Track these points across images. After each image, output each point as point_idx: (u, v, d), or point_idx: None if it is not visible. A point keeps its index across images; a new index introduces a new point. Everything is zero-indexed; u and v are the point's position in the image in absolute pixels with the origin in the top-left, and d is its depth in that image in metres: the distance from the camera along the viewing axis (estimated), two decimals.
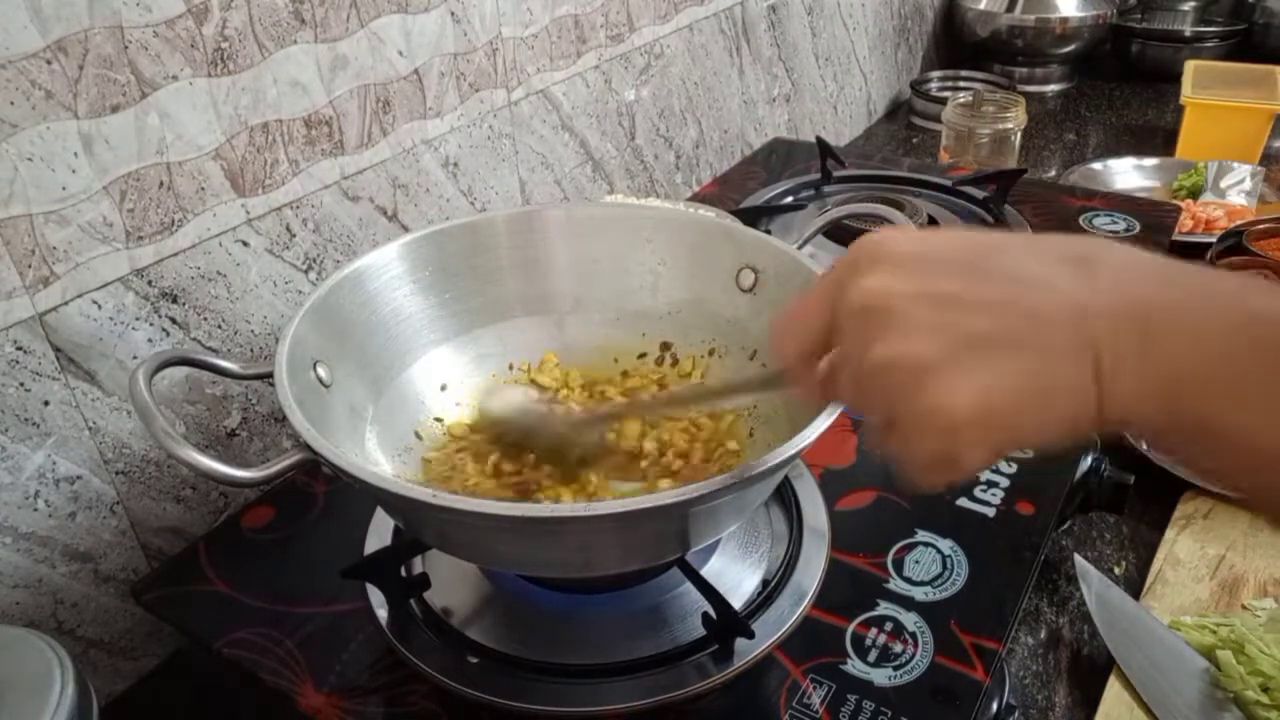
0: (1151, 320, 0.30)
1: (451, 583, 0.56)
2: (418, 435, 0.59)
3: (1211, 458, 0.31)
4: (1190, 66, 1.38)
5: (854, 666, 0.50)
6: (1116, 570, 0.69)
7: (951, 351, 0.31)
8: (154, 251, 0.60)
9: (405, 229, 0.77)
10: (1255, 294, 0.30)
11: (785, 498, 0.61)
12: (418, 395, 0.60)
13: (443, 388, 0.61)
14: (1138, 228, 0.95)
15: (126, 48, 0.55)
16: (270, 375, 0.48)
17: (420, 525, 0.49)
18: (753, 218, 0.95)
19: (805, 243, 0.65)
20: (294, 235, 0.69)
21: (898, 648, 0.51)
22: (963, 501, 0.61)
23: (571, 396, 0.62)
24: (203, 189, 0.62)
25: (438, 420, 0.60)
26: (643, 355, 0.64)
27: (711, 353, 0.62)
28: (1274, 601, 0.65)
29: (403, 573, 0.55)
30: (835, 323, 0.35)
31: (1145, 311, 0.30)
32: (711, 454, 0.58)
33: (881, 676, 0.50)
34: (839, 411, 0.44)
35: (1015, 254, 0.32)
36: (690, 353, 0.63)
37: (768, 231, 0.83)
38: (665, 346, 0.64)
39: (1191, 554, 0.69)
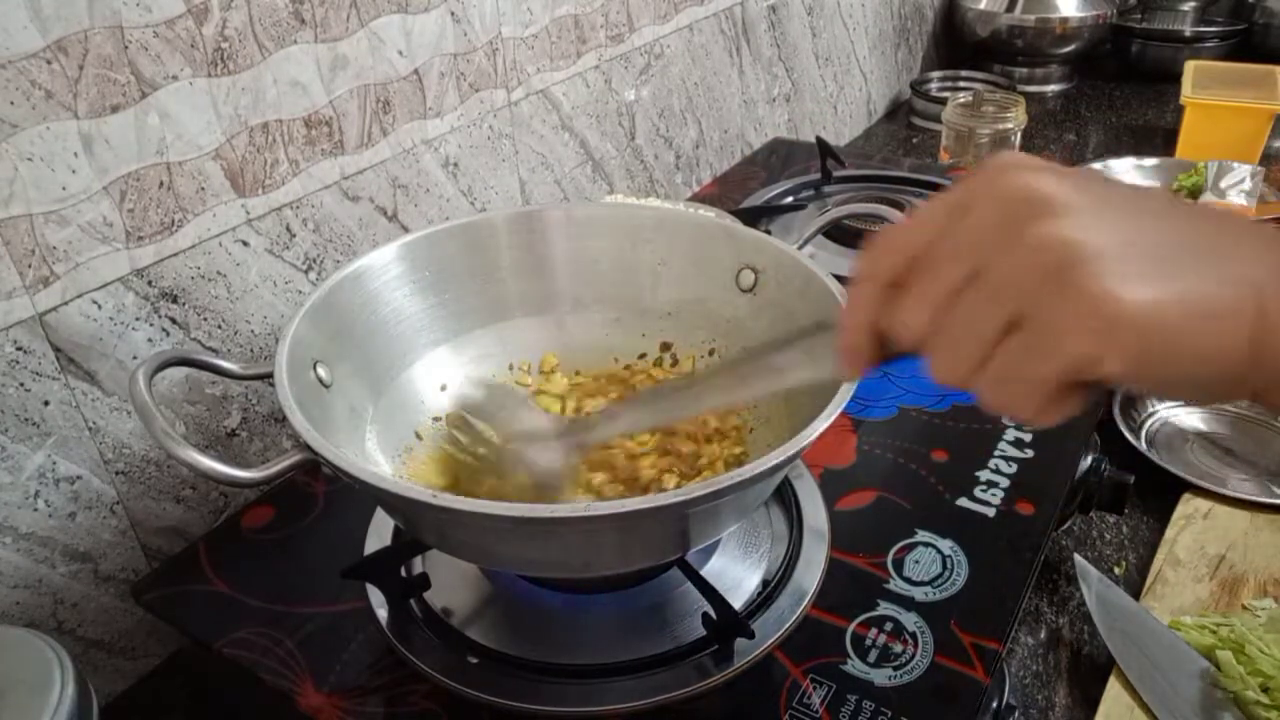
0: None
1: (451, 583, 0.56)
2: (418, 435, 0.59)
3: None
4: (1190, 66, 1.38)
5: (854, 666, 0.50)
6: (1116, 570, 0.69)
7: (1120, 249, 0.27)
8: (154, 251, 0.60)
9: (405, 229, 0.77)
10: None
11: (785, 498, 0.61)
12: (418, 395, 0.60)
13: (443, 388, 0.61)
14: None
15: (126, 48, 0.55)
16: (270, 375, 0.48)
17: (420, 525, 0.49)
18: (753, 218, 0.95)
19: (805, 243, 0.65)
20: (294, 235, 0.69)
21: (898, 648, 0.51)
22: (963, 501, 0.61)
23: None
24: (203, 189, 0.62)
25: (436, 420, 0.60)
26: (643, 355, 0.64)
27: (712, 352, 0.62)
28: (1274, 601, 0.65)
29: (403, 573, 0.55)
30: (966, 206, 0.30)
31: None
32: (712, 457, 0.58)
33: (881, 676, 0.50)
34: (839, 411, 0.44)
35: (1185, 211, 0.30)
36: (690, 352, 0.63)
37: (768, 231, 0.83)
38: (665, 347, 0.64)
39: (1191, 554, 0.69)
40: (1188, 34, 1.70)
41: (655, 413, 0.47)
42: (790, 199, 1.05)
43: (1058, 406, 0.30)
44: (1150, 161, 1.30)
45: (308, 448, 0.43)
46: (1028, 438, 0.67)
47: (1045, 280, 0.28)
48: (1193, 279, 0.28)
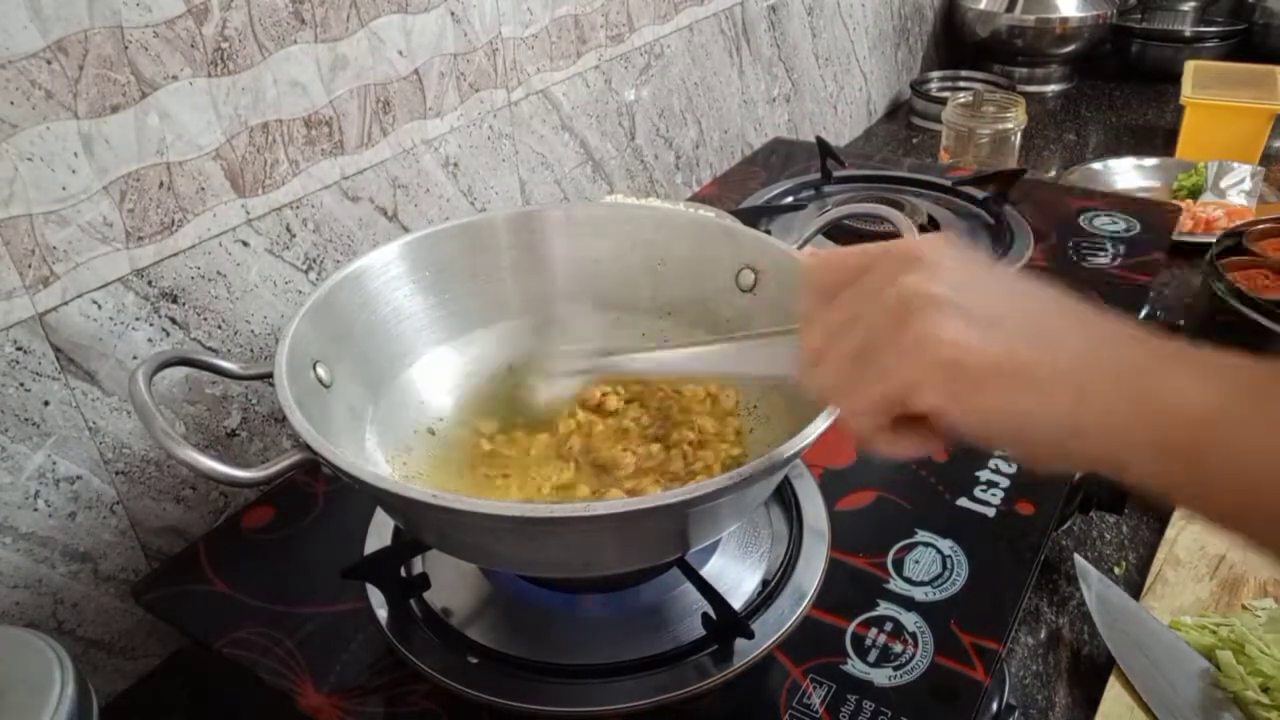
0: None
1: (451, 583, 0.56)
2: (431, 431, 0.59)
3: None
4: (1190, 66, 1.38)
5: (854, 666, 0.50)
6: (1116, 570, 0.69)
7: (962, 308, 0.33)
8: (154, 251, 0.60)
9: (405, 229, 0.77)
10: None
11: (785, 498, 0.61)
12: (418, 395, 0.60)
13: (443, 388, 0.61)
14: (1138, 228, 0.95)
15: (126, 48, 0.55)
16: (270, 375, 0.48)
17: (420, 525, 0.49)
18: (753, 218, 0.95)
19: (805, 243, 0.65)
20: (294, 235, 0.69)
21: (898, 648, 0.51)
22: (963, 501, 0.61)
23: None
24: (203, 189, 0.62)
25: (439, 420, 0.60)
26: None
27: None
28: (1274, 601, 0.65)
29: (403, 573, 0.55)
30: (871, 266, 0.36)
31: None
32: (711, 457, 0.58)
33: (881, 676, 0.50)
34: (839, 411, 0.44)
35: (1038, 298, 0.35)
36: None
37: (768, 231, 0.83)
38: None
39: (1191, 554, 0.69)
40: (1188, 34, 1.70)
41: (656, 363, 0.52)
42: (790, 199, 1.05)
43: (893, 436, 0.35)
44: (1150, 161, 1.30)
45: (308, 448, 0.43)
46: None
47: (894, 318, 0.33)
48: (1015, 342, 0.32)
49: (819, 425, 0.43)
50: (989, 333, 0.32)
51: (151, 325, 0.61)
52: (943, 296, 0.33)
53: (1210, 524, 0.32)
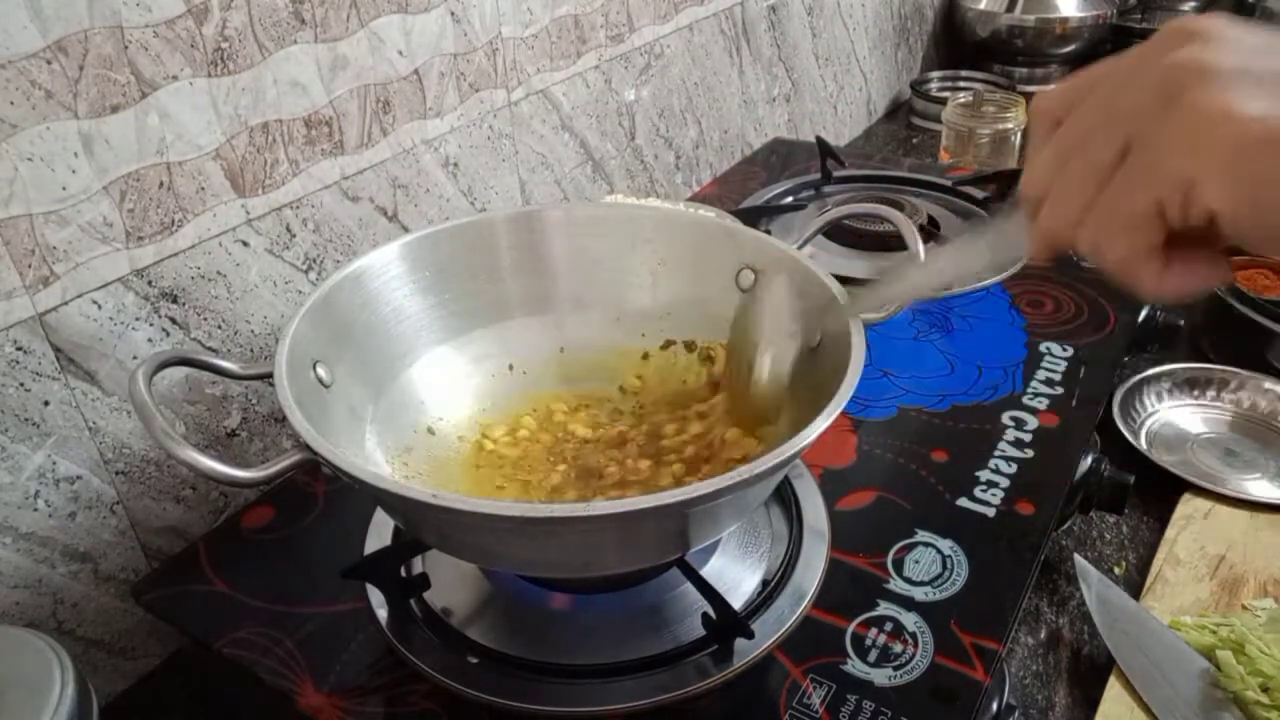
0: None
1: (451, 583, 0.56)
2: (431, 431, 0.59)
3: None
4: None
5: (854, 666, 0.50)
6: (1116, 570, 0.69)
7: (1248, 73, 0.25)
8: (154, 251, 0.60)
9: (405, 229, 0.77)
10: None
11: (785, 498, 0.61)
12: (418, 395, 0.60)
13: (443, 388, 0.61)
14: None
15: (126, 48, 0.55)
16: (270, 375, 0.48)
17: (420, 525, 0.49)
18: (753, 218, 0.95)
19: (805, 243, 0.65)
20: (294, 235, 0.69)
21: (898, 648, 0.51)
22: (963, 501, 0.61)
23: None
24: (203, 189, 0.62)
25: (439, 420, 0.60)
26: (646, 356, 0.64)
27: (710, 357, 0.62)
28: (1274, 601, 0.65)
29: (403, 573, 0.55)
30: (1119, 65, 0.29)
31: None
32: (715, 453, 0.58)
33: (881, 676, 0.50)
34: (839, 411, 0.44)
35: None
36: (710, 344, 0.63)
37: (768, 231, 0.83)
38: (690, 346, 0.64)
39: (1191, 554, 0.69)
40: None
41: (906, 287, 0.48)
42: (790, 199, 1.05)
43: (1163, 267, 0.27)
44: None
45: (308, 448, 0.43)
46: (1028, 438, 0.67)
47: (1160, 99, 0.26)
48: None
49: (819, 425, 0.43)
50: None
51: (151, 325, 0.61)
52: (1227, 64, 0.25)
53: None
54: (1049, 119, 0.31)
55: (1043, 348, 0.76)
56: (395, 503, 0.47)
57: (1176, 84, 0.26)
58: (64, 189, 0.54)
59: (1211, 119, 0.25)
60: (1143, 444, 0.79)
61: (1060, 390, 0.72)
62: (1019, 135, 1.24)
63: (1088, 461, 0.66)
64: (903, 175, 1.09)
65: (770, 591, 0.55)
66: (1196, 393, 0.85)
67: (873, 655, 0.51)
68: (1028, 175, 0.30)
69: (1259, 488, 0.75)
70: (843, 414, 0.45)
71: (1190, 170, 0.25)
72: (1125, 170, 0.26)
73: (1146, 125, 0.26)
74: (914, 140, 1.51)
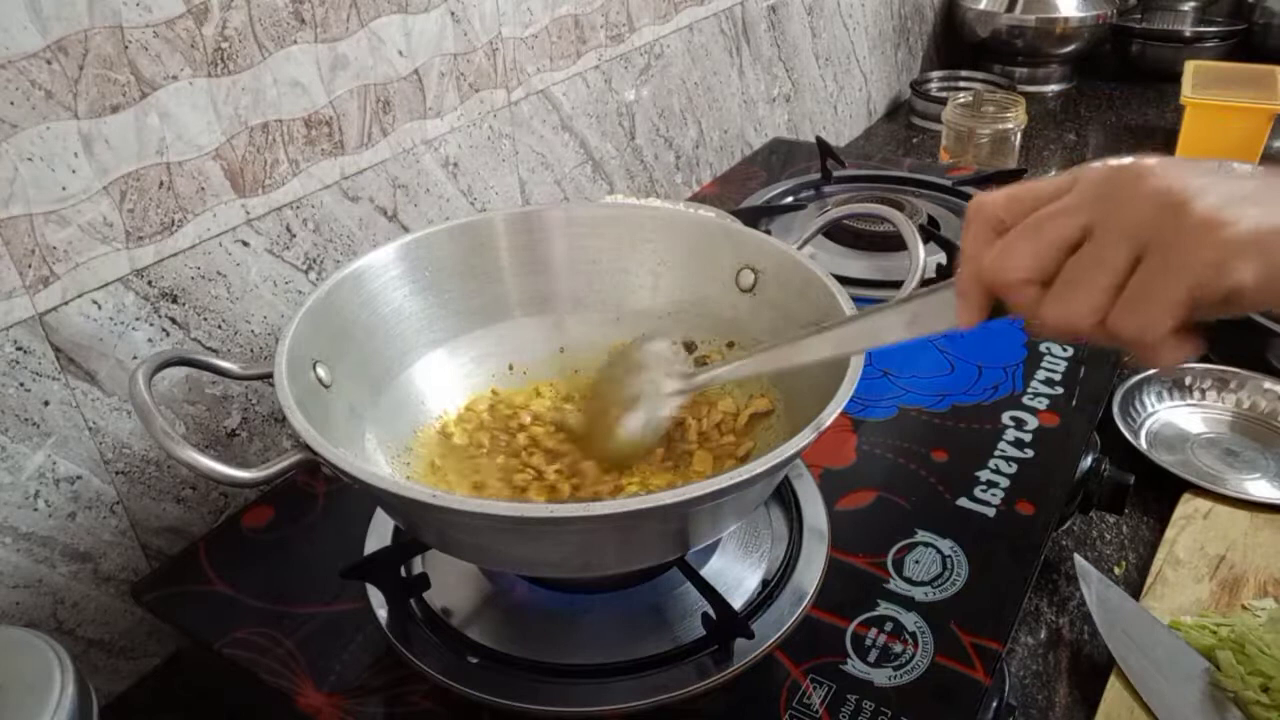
0: None
1: (451, 583, 0.56)
2: (431, 431, 0.59)
3: None
4: (1190, 66, 1.38)
5: (854, 666, 0.50)
6: (1116, 570, 0.69)
7: (1221, 192, 0.32)
8: (154, 251, 0.60)
9: (405, 229, 0.77)
10: None
11: (785, 498, 0.61)
12: (418, 395, 0.60)
13: (443, 388, 0.61)
14: None
15: (126, 48, 0.55)
16: (270, 375, 0.48)
17: (420, 525, 0.49)
18: (753, 218, 0.95)
19: (805, 243, 0.65)
20: (294, 235, 0.69)
21: (898, 648, 0.51)
22: (963, 501, 0.61)
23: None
24: (203, 189, 0.62)
25: (440, 420, 0.60)
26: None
27: (731, 345, 0.62)
28: (1274, 601, 0.65)
29: (403, 573, 0.55)
30: (1074, 205, 0.35)
31: None
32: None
33: (881, 676, 0.50)
34: (839, 411, 0.44)
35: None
36: (710, 349, 0.63)
37: (768, 231, 0.83)
38: (690, 346, 0.64)
39: (1191, 554, 0.69)
40: (1188, 34, 1.70)
41: (758, 363, 0.52)
42: (790, 199, 1.05)
43: (1184, 338, 0.33)
44: None
45: (308, 448, 0.43)
46: (1028, 438, 0.67)
47: (1164, 215, 0.32)
48: None
49: (819, 425, 0.43)
50: (1264, 208, 0.31)
51: (151, 325, 0.61)
52: (1202, 188, 0.32)
53: None
54: (993, 220, 0.37)
55: (1043, 347, 0.76)
56: (395, 503, 0.47)
57: (1175, 202, 0.32)
58: (64, 189, 0.54)
59: (1223, 220, 0.31)
60: (1143, 444, 0.79)
61: (1060, 390, 0.72)
62: (1019, 135, 1.24)
63: (1088, 461, 0.66)
64: (903, 175, 1.09)
65: (770, 591, 0.55)
66: (1196, 393, 0.85)
67: (873, 655, 0.51)
68: (1000, 263, 0.36)
69: (1259, 488, 0.75)
70: (843, 414, 0.45)
71: (1220, 257, 0.31)
72: (1152, 269, 0.32)
73: (1161, 234, 0.32)
74: (914, 140, 1.51)
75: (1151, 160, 0.34)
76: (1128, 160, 0.34)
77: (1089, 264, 0.34)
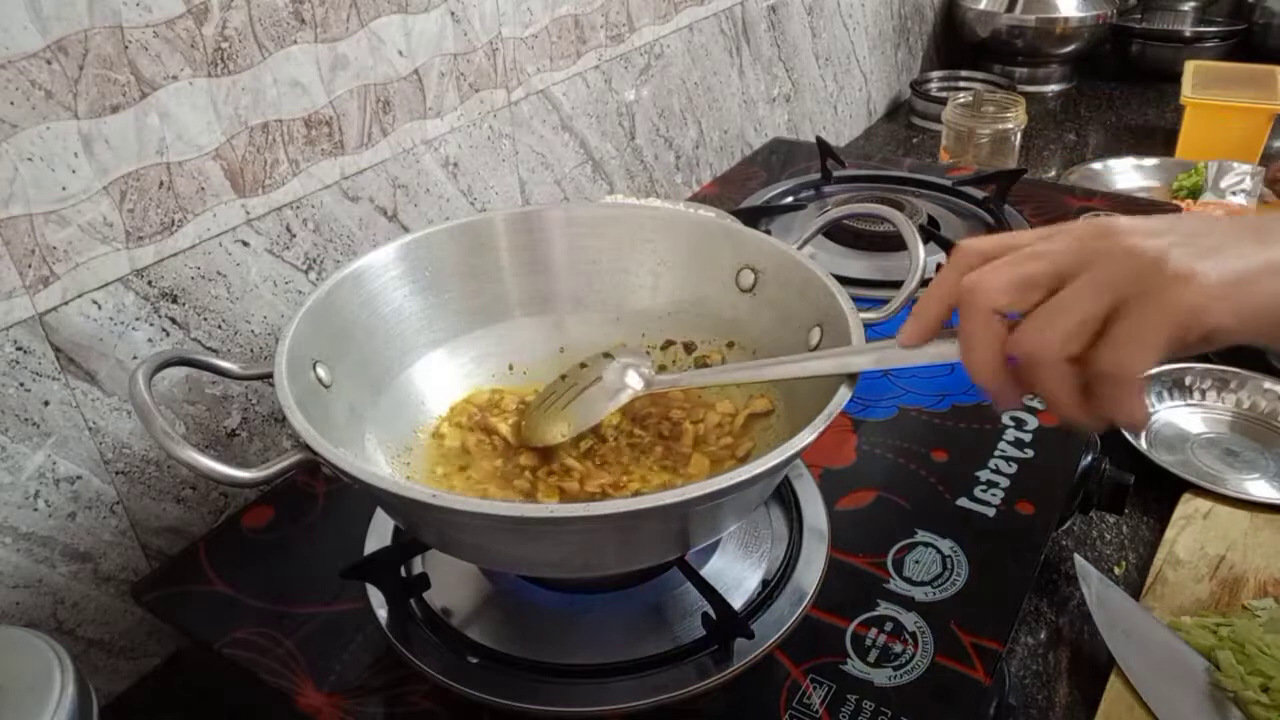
0: None
1: (451, 583, 0.56)
2: (431, 432, 0.59)
3: None
4: (1190, 66, 1.38)
5: (854, 666, 0.50)
6: (1116, 570, 0.69)
7: (1192, 244, 0.36)
8: (154, 251, 0.60)
9: (405, 229, 0.77)
10: None
11: (785, 498, 0.61)
12: (418, 395, 0.60)
13: (443, 388, 0.61)
14: None
15: (126, 48, 0.55)
16: (270, 375, 0.48)
17: (420, 525, 0.49)
18: (753, 218, 0.95)
19: (805, 243, 0.65)
20: (294, 235, 0.69)
21: (898, 648, 0.51)
22: (963, 501, 0.61)
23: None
24: (203, 189, 0.62)
25: (440, 420, 0.60)
26: (647, 354, 0.64)
27: (731, 345, 0.62)
28: (1274, 601, 0.65)
29: (403, 573, 0.55)
30: (1050, 252, 0.38)
31: None
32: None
33: (881, 676, 0.50)
34: (839, 411, 0.44)
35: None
36: (710, 349, 0.63)
37: (768, 231, 0.83)
38: (689, 347, 0.64)
39: (1191, 554, 0.69)
40: (1188, 34, 1.70)
41: (719, 374, 0.56)
42: (790, 199, 1.05)
43: (1186, 347, 0.37)
44: (1150, 161, 1.30)
45: (308, 448, 0.43)
46: (1028, 438, 0.67)
47: (1145, 270, 0.36)
48: (1262, 241, 0.37)
49: (819, 425, 0.43)
50: (1230, 252, 0.36)
51: (151, 325, 0.61)
52: (1175, 243, 0.36)
53: None
54: (976, 256, 0.41)
55: None
56: (395, 503, 0.47)
57: (1153, 258, 0.36)
58: (64, 189, 0.54)
59: (1197, 271, 0.35)
60: (1143, 444, 0.79)
61: None
62: (1019, 135, 1.24)
63: (1088, 461, 0.66)
64: (903, 175, 1.09)
65: (770, 591, 0.55)
66: (1196, 393, 0.85)
67: (873, 655, 0.51)
68: (980, 280, 0.39)
69: (1259, 488, 0.75)
70: (843, 414, 0.45)
71: (1199, 301, 0.35)
72: (1134, 314, 0.36)
73: (1142, 286, 0.36)
74: (914, 140, 1.51)
75: (1125, 220, 0.38)
76: (1104, 219, 0.38)
77: (1069, 302, 0.37)
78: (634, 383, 0.56)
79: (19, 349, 0.54)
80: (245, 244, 0.65)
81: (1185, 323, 0.35)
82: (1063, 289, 0.37)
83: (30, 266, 0.54)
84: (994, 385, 0.40)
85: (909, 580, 0.56)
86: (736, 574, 0.56)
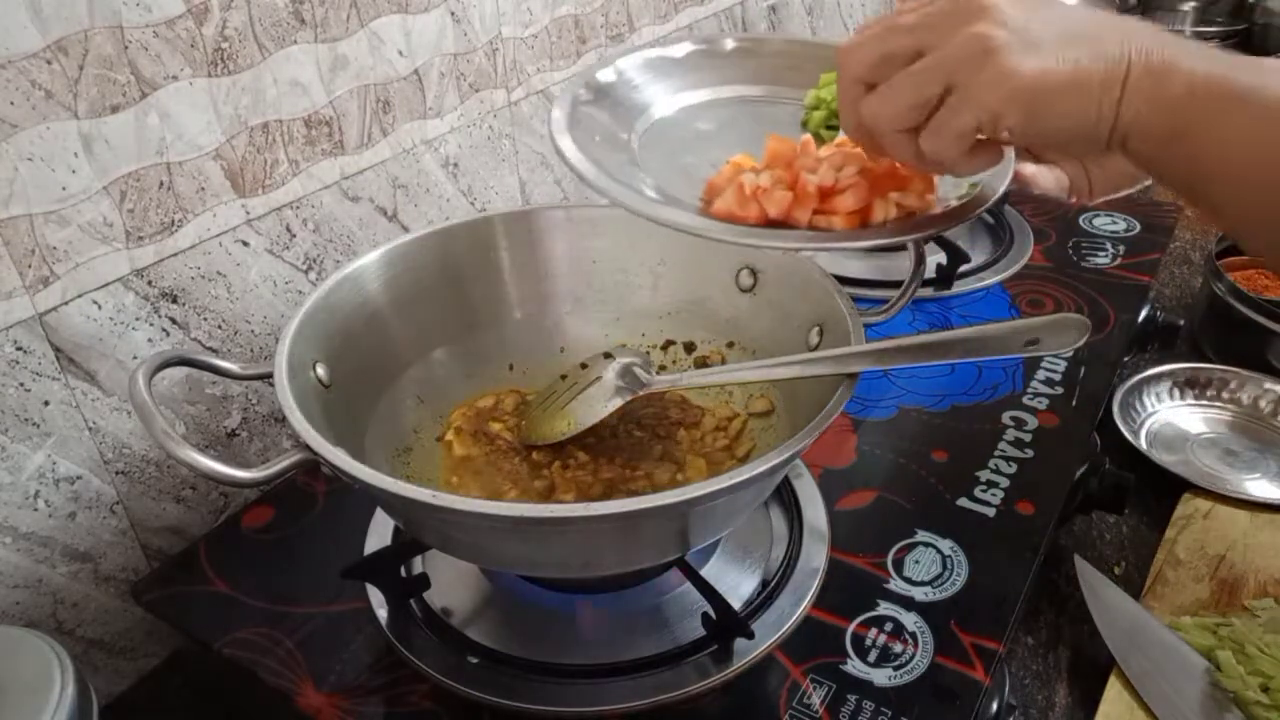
0: (1167, 68, 0.40)
1: (451, 583, 0.56)
2: (430, 432, 0.59)
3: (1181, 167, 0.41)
4: None
5: (854, 666, 0.50)
6: (1116, 570, 0.69)
7: (1025, 41, 0.39)
8: (154, 251, 0.60)
9: (405, 229, 0.77)
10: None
11: (785, 498, 0.61)
12: (418, 395, 0.60)
13: (442, 388, 0.61)
14: (1138, 228, 0.95)
15: (126, 48, 0.55)
16: (270, 375, 0.48)
17: (420, 525, 0.49)
18: None
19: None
20: (294, 235, 0.69)
21: (898, 648, 0.51)
22: (963, 501, 0.61)
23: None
24: (203, 189, 0.62)
25: (439, 420, 0.60)
26: (647, 354, 0.64)
27: (731, 345, 0.62)
28: (1274, 601, 0.65)
29: (403, 573, 0.55)
30: (919, 26, 0.41)
31: (1163, 61, 0.40)
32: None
33: (881, 676, 0.50)
34: (839, 412, 0.44)
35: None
36: (710, 349, 0.63)
37: None
38: (689, 347, 0.64)
39: (1191, 554, 0.69)
40: (1188, 34, 1.69)
41: (719, 374, 0.58)
42: None
43: (975, 155, 0.42)
44: None
45: (308, 448, 0.43)
46: (1028, 438, 0.67)
47: (972, 60, 0.39)
48: (1072, 55, 0.39)
49: (819, 425, 0.43)
50: (1057, 54, 0.39)
51: (151, 325, 0.61)
52: (1011, 35, 0.39)
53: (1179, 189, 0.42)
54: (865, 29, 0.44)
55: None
56: (395, 503, 0.47)
57: (985, 49, 0.39)
58: (64, 189, 0.54)
59: (1008, 75, 0.39)
60: (1143, 444, 0.79)
61: (1060, 390, 0.72)
62: None
63: (1088, 461, 0.66)
64: None
65: (770, 591, 0.55)
66: (1196, 393, 0.85)
67: (873, 655, 0.51)
68: (852, 56, 0.43)
69: (1259, 488, 0.75)
70: (843, 414, 0.45)
71: (998, 105, 0.39)
72: (953, 104, 0.40)
73: (966, 76, 0.39)
74: None
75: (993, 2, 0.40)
76: (974, 3, 0.40)
77: (906, 83, 0.41)
78: (634, 383, 0.56)
79: (19, 349, 0.54)
80: (245, 244, 0.65)
81: (983, 121, 0.40)
82: (915, 62, 0.41)
83: (30, 266, 0.54)
84: (859, 142, 0.45)
85: (909, 580, 0.56)
86: (736, 574, 0.56)
